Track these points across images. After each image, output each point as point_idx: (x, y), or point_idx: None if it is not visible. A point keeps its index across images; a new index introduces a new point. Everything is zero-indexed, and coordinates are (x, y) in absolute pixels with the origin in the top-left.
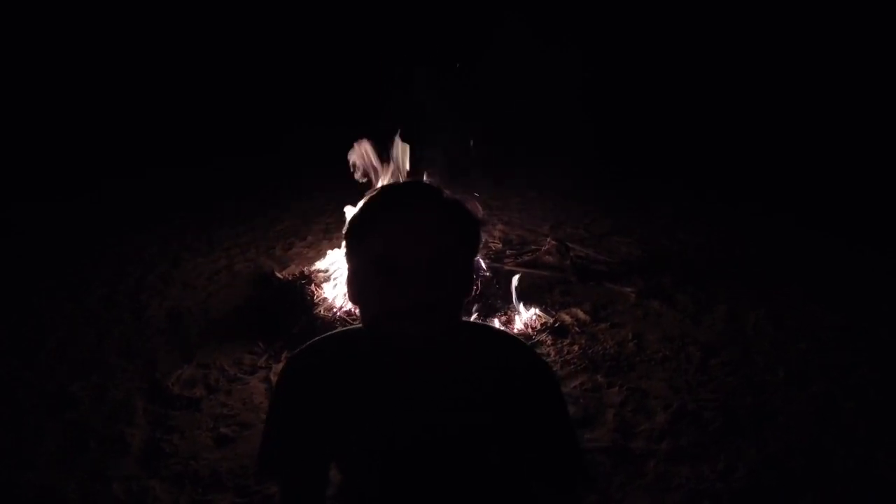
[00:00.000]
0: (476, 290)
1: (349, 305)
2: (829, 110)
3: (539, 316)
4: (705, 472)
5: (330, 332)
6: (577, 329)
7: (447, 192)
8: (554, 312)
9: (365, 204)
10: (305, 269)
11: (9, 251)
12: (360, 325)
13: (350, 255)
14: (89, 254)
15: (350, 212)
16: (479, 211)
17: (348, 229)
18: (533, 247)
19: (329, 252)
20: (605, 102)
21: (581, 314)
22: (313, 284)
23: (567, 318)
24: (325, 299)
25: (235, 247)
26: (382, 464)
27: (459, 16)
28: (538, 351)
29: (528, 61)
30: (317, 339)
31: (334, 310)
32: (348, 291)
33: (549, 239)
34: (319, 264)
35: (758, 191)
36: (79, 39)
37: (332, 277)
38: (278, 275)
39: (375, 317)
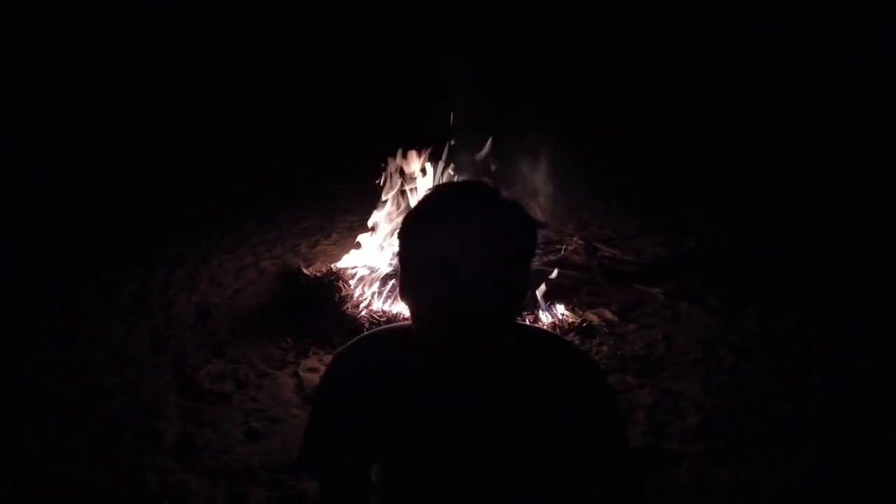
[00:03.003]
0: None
1: (377, 303)
2: (867, 114)
3: (566, 316)
4: (743, 476)
5: (379, 329)
6: (605, 329)
7: (505, 193)
8: (581, 312)
9: (420, 202)
10: (333, 266)
11: (37, 238)
12: (409, 322)
13: (402, 253)
14: (118, 244)
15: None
16: (539, 212)
17: (402, 226)
18: (559, 246)
19: (355, 250)
20: (632, 101)
21: (609, 315)
22: (341, 281)
23: (595, 319)
24: (352, 296)
25: (262, 244)
26: (422, 466)
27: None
28: None
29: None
30: (365, 335)
31: (361, 307)
32: (398, 288)
33: (575, 238)
34: (347, 262)
35: (784, 192)
36: (95, 32)
37: (360, 275)
38: (305, 272)
39: (424, 319)
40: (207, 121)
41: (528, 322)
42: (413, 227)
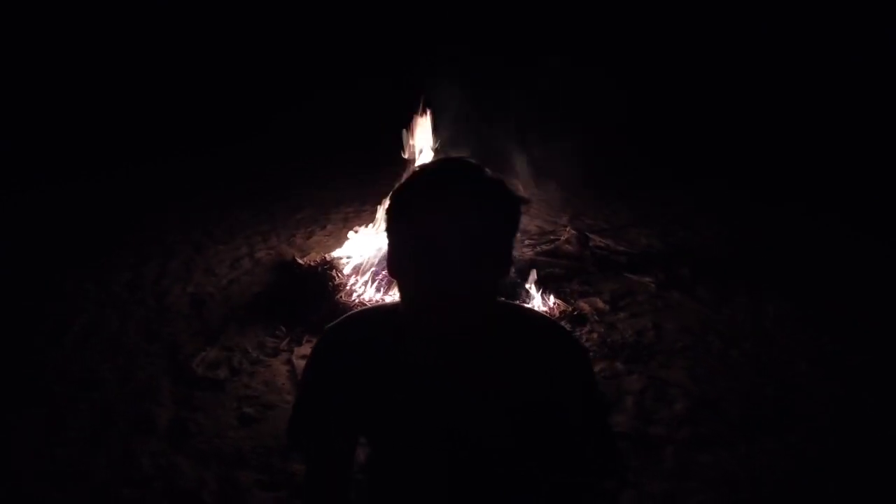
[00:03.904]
0: (513, 271)
1: (370, 292)
2: (867, 114)
3: (558, 304)
4: (725, 460)
5: (368, 308)
6: (595, 318)
7: (489, 171)
8: (573, 301)
9: (406, 180)
10: (327, 256)
11: (37, 235)
12: (397, 301)
13: (390, 232)
14: (115, 239)
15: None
16: (521, 190)
17: (389, 206)
18: (552, 237)
19: (349, 239)
20: (633, 101)
21: (600, 303)
22: (335, 270)
23: (586, 307)
24: (346, 285)
25: (256, 234)
26: (411, 444)
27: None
28: None
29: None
30: (354, 312)
31: (355, 296)
32: (387, 266)
33: (567, 228)
34: (340, 251)
35: (782, 185)
36: (95, 32)
37: (353, 264)
38: (300, 261)
39: (412, 295)
40: (207, 121)
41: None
42: (398, 207)
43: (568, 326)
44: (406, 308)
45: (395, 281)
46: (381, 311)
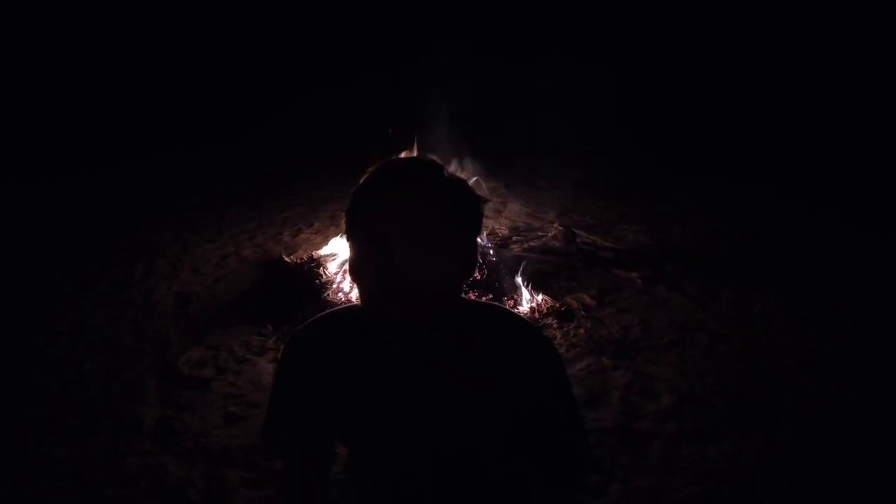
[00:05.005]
0: (483, 273)
1: (356, 290)
2: (867, 113)
3: (545, 300)
4: (711, 454)
5: (334, 309)
6: (582, 313)
7: (448, 171)
8: (560, 297)
9: (364, 181)
10: (314, 254)
11: (38, 235)
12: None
13: (349, 233)
14: (115, 239)
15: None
16: (482, 190)
17: (347, 206)
18: (540, 233)
19: (336, 237)
20: (632, 101)
21: (587, 299)
22: (321, 268)
23: (573, 303)
24: (332, 283)
25: (243, 233)
26: (385, 443)
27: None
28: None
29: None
30: (320, 314)
31: (341, 293)
32: (348, 268)
33: (555, 225)
34: (327, 248)
35: (771, 181)
36: (95, 31)
37: (339, 261)
38: (286, 259)
39: (372, 295)
40: (207, 121)
41: (507, 305)
42: (357, 206)
43: (555, 322)
44: (366, 308)
45: (355, 283)
46: (350, 311)
